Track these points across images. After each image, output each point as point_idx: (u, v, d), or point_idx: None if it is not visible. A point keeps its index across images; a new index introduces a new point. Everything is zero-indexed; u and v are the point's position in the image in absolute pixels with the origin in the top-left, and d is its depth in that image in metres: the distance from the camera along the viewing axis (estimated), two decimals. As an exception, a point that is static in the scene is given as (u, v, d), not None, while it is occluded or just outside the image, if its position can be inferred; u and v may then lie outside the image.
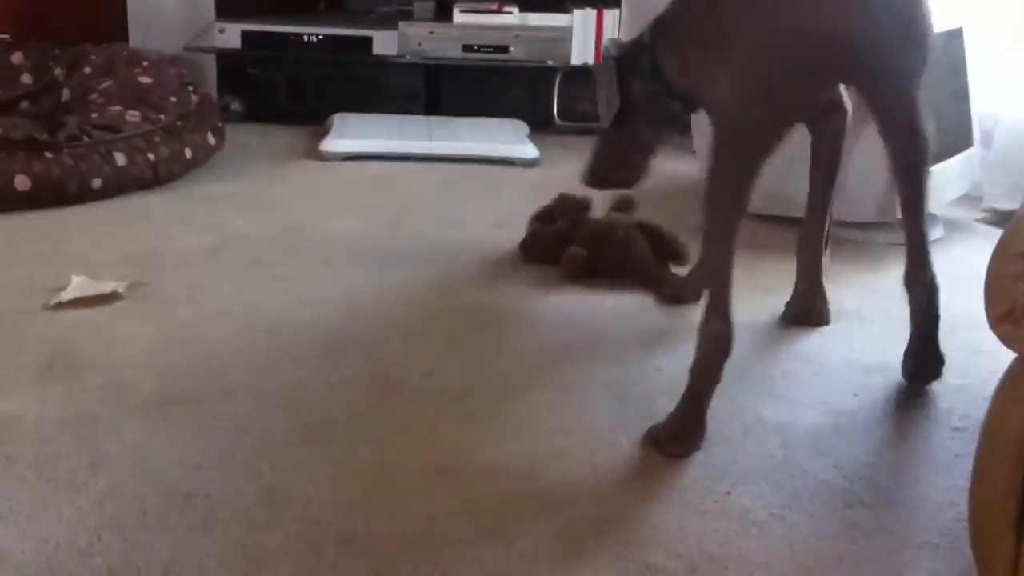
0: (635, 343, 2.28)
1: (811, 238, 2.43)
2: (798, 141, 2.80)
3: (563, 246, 2.65)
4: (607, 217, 2.75)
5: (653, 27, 2.35)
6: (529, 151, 3.65)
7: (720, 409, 2.00)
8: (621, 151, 2.47)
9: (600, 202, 2.80)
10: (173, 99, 3.37)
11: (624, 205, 2.83)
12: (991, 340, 1.43)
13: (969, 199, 3.24)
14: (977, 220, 3.17)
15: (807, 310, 2.42)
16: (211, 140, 3.42)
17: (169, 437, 1.83)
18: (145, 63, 3.54)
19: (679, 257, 2.66)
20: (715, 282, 1.92)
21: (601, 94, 2.44)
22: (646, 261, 2.59)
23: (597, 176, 2.52)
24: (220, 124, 3.55)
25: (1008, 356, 1.45)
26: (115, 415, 1.89)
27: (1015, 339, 1.38)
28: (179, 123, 3.31)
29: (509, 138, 3.76)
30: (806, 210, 2.44)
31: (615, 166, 2.50)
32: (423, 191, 3.30)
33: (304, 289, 2.50)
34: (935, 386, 2.12)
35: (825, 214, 2.42)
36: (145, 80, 3.43)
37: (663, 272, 2.58)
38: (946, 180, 3.00)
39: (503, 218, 3.00)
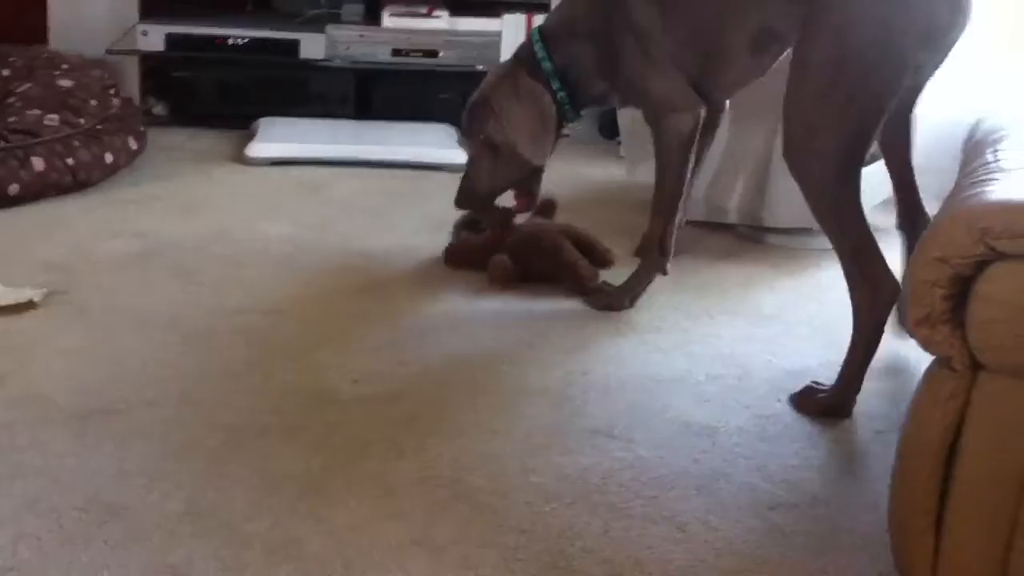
0: (565, 348, 2.29)
1: None
2: (726, 151, 2.85)
3: (488, 253, 2.64)
4: (532, 223, 2.74)
5: (548, 49, 2.45)
6: (458, 156, 3.64)
7: (646, 413, 2.02)
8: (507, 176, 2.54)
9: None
10: (94, 102, 3.31)
11: (546, 209, 2.83)
12: (910, 343, 1.46)
13: (890, 205, 3.30)
14: (898, 226, 3.22)
15: None
16: (133, 144, 3.36)
17: (89, 448, 1.79)
18: (65, 66, 3.47)
19: (604, 263, 2.66)
20: (864, 247, 2.02)
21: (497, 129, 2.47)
22: (575, 266, 2.59)
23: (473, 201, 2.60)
24: (142, 128, 3.49)
25: (926, 359, 1.48)
26: (32, 426, 1.85)
27: (932, 342, 1.42)
28: (100, 127, 3.25)
29: (439, 143, 3.75)
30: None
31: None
32: (351, 196, 3.28)
33: (229, 296, 2.46)
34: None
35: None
36: (65, 83, 3.36)
37: (593, 276, 2.58)
38: (868, 186, 3.04)
39: (432, 223, 2.98)
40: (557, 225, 2.73)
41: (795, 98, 2.01)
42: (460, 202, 2.61)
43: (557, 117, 2.49)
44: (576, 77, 2.46)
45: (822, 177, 2.01)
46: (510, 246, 2.63)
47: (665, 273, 2.52)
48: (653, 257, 2.50)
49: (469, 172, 2.57)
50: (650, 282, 2.53)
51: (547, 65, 2.45)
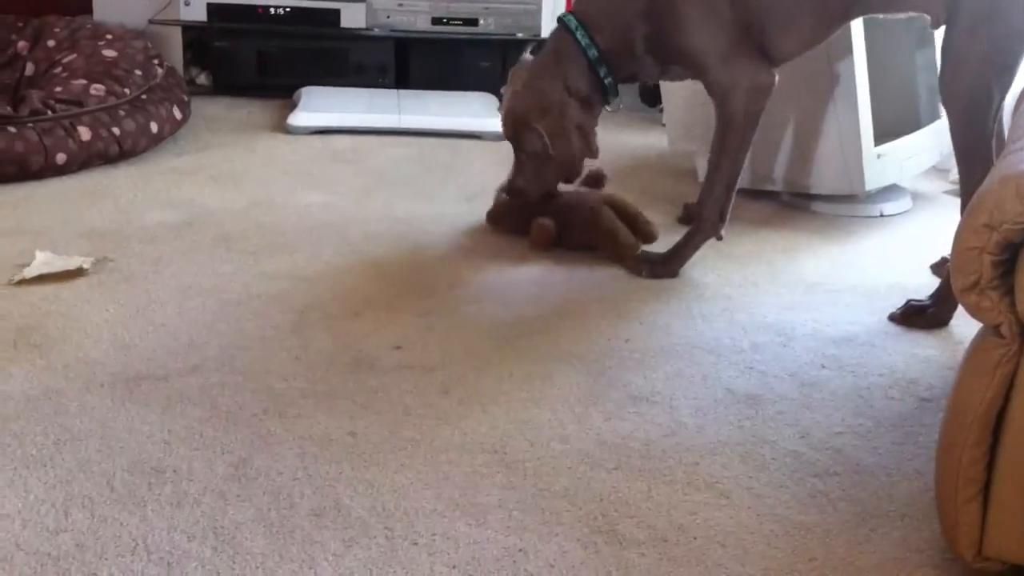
0: (606, 316, 2.29)
1: None
2: (775, 122, 2.82)
3: (529, 216, 2.64)
4: (576, 192, 2.73)
5: (589, 35, 2.42)
6: (497, 125, 3.62)
7: (689, 380, 2.01)
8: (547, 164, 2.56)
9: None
10: (138, 72, 3.33)
11: (594, 180, 2.82)
12: (958, 310, 1.45)
13: (937, 171, 3.26)
14: (945, 192, 3.19)
15: None
16: (177, 114, 3.38)
17: (136, 413, 1.82)
18: (109, 36, 3.49)
19: (647, 236, 2.63)
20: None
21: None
22: (614, 234, 2.58)
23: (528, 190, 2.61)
24: (186, 98, 3.51)
25: (974, 326, 1.46)
26: (81, 391, 1.88)
27: (980, 309, 1.40)
28: (144, 97, 3.27)
29: (479, 111, 3.74)
30: None
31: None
32: (392, 165, 3.28)
33: (272, 264, 2.48)
34: (900, 357, 2.14)
35: None
36: (109, 53, 3.38)
37: (632, 245, 2.57)
38: (914, 152, 3.02)
39: (472, 192, 2.99)
40: (601, 194, 2.72)
41: (950, 35, 2.21)
42: (512, 193, 2.65)
43: (600, 100, 2.50)
44: (620, 58, 2.44)
45: (965, 103, 2.20)
46: (553, 210, 2.63)
47: (720, 238, 2.50)
48: (709, 221, 2.47)
49: (516, 173, 2.62)
50: (700, 247, 2.51)
51: (593, 53, 2.43)
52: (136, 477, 1.63)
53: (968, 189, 2.21)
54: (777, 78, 2.38)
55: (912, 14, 2.35)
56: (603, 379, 2.01)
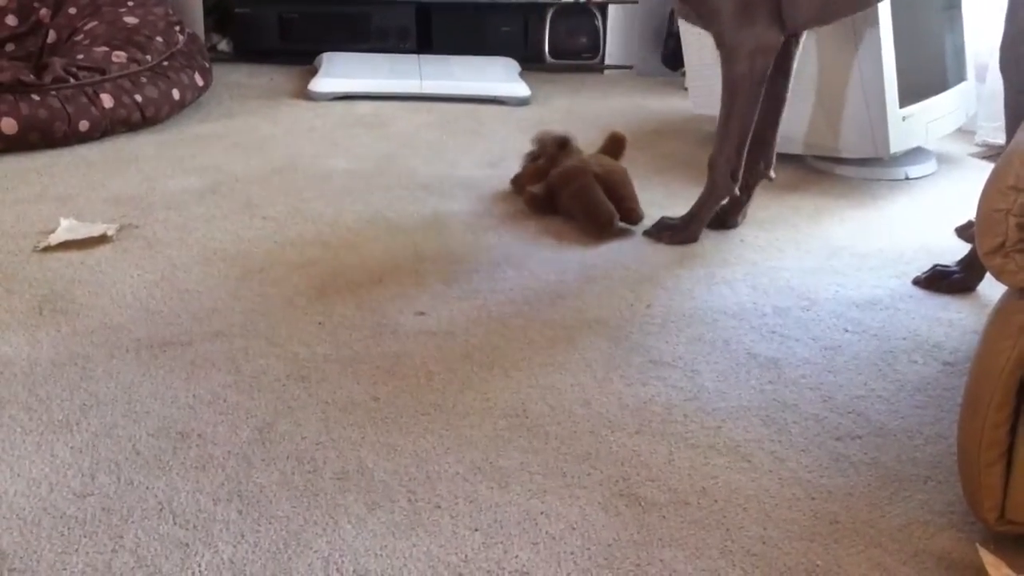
0: (628, 282, 2.28)
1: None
2: (799, 84, 2.80)
3: (541, 180, 2.67)
4: (581, 159, 2.69)
5: None
6: (521, 89, 3.62)
7: (711, 345, 2.01)
8: None
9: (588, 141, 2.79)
10: (160, 39, 3.33)
11: (612, 147, 2.80)
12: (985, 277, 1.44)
13: (963, 133, 3.23)
14: (971, 154, 3.16)
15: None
16: (199, 80, 3.38)
17: (161, 378, 1.83)
18: (131, 3, 3.50)
19: (625, 217, 2.58)
20: None
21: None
22: (592, 208, 2.54)
23: None
24: (208, 64, 3.51)
25: (999, 290, 1.45)
26: (107, 357, 1.90)
27: (1005, 271, 1.39)
28: (166, 63, 3.28)
29: (500, 76, 3.73)
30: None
31: None
32: (413, 131, 3.28)
33: (295, 230, 2.49)
34: (924, 321, 2.13)
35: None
36: (131, 20, 3.39)
37: (608, 220, 2.53)
38: (940, 114, 2.99)
39: (494, 157, 2.98)
40: (601, 165, 2.66)
41: (1014, 4, 2.15)
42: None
43: None
44: None
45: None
46: (552, 178, 2.63)
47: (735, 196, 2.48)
48: (721, 182, 2.46)
49: None
50: (715, 209, 2.49)
51: None
52: (161, 441, 1.65)
53: None
54: (782, 38, 2.34)
55: None
56: (625, 344, 2.01)
